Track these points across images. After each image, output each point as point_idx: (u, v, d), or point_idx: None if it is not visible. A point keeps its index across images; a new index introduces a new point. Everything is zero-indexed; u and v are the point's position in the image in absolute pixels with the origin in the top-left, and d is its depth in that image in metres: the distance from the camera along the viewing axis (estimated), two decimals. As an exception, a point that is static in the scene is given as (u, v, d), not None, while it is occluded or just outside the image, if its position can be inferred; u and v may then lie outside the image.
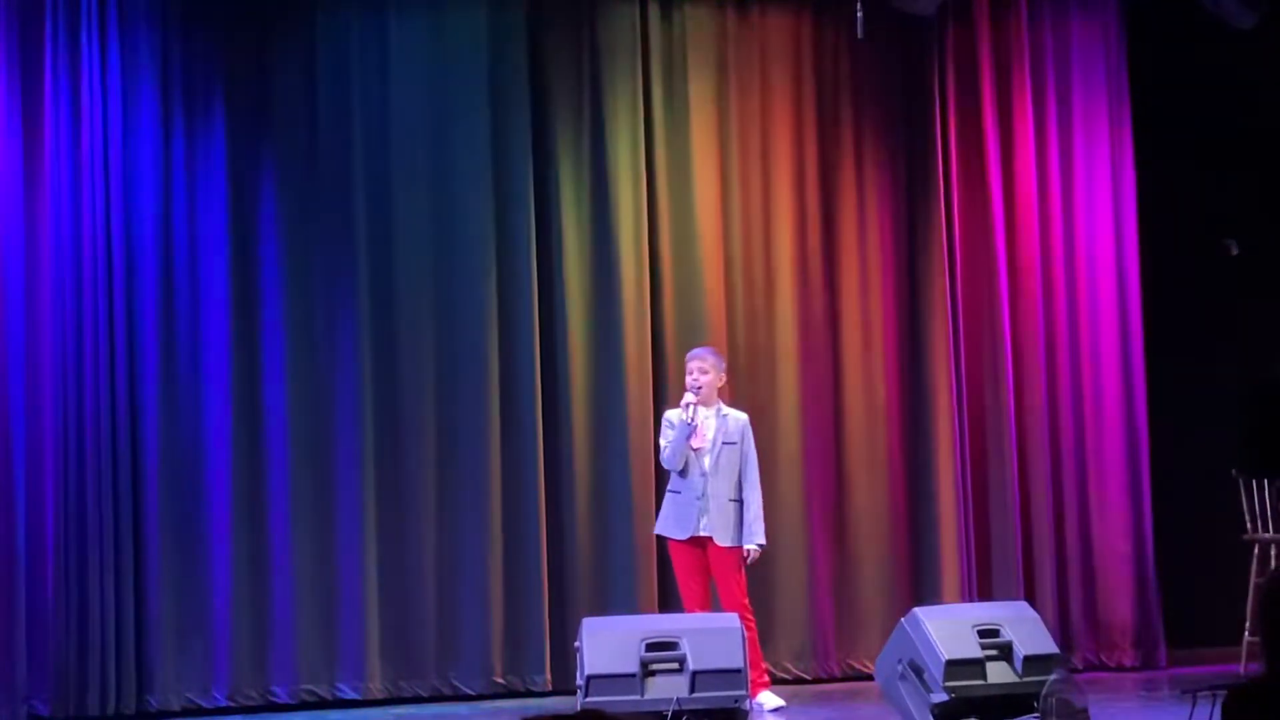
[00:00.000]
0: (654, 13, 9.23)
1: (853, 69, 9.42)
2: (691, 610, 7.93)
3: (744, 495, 8.04)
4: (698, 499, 7.98)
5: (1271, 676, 3.93)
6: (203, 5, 8.76)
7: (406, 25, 8.99)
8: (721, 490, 7.99)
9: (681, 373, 8.71)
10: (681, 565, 8.07)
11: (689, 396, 8.03)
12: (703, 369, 8.07)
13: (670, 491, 8.12)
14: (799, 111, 9.36)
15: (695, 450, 8.01)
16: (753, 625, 7.96)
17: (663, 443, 8.11)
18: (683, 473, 8.03)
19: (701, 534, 8.00)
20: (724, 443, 8.02)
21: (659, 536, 8.30)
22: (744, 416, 8.16)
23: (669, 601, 8.80)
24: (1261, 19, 9.12)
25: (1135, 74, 9.66)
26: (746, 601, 8.00)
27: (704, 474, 7.99)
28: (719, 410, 8.10)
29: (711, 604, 8.07)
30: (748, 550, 7.99)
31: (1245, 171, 9.66)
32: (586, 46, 9.16)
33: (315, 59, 8.87)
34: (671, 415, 8.13)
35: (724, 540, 7.98)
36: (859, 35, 8.76)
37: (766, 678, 8.12)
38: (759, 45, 9.35)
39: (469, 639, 8.76)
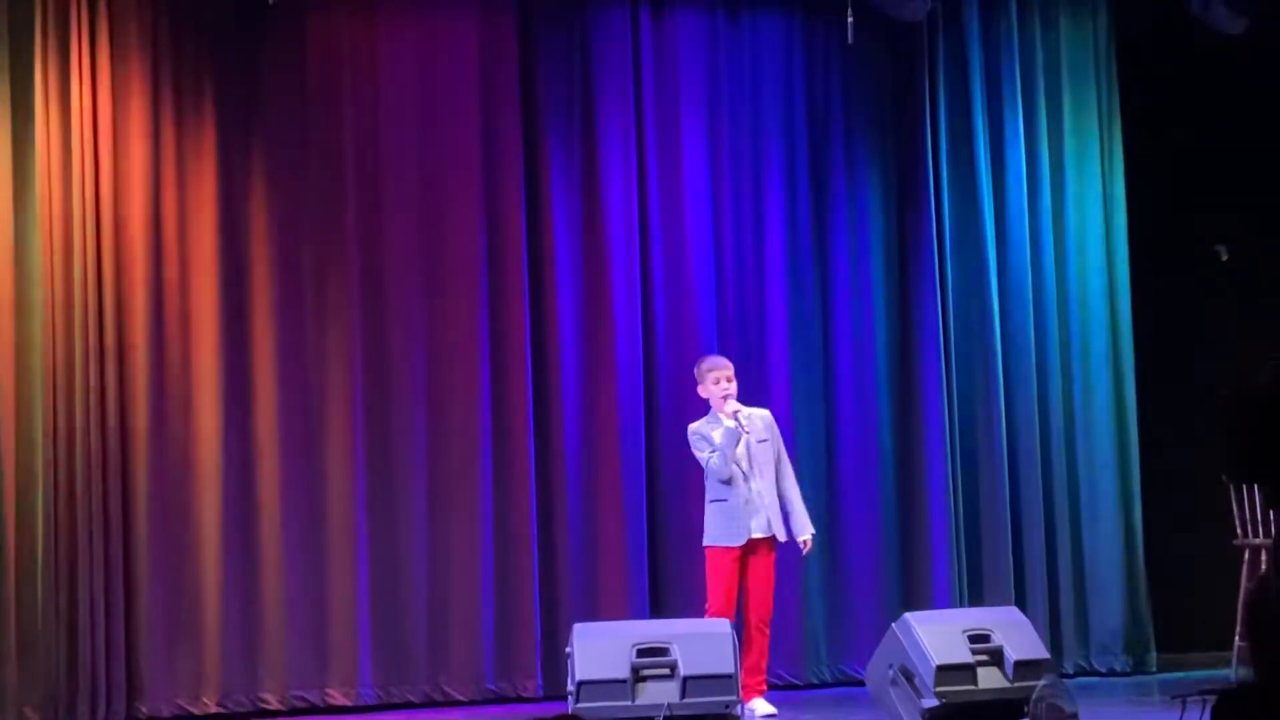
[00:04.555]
0: (645, 16, 9.24)
1: (843, 74, 9.43)
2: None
3: (783, 488, 8.04)
4: (746, 503, 7.96)
5: (1259, 682, 3.95)
6: (193, 6, 8.76)
7: (397, 26, 8.99)
8: (767, 489, 7.99)
9: (675, 376, 8.74)
10: (721, 576, 7.92)
11: (733, 404, 8.00)
12: (729, 377, 8.08)
13: (715, 501, 8.01)
14: (790, 116, 9.37)
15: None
16: (768, 633, 7.98)
17: (701, 456, 8.04)
18: (726, 481, 8.01)
19: (756, 536, 7.95)
20: (757, 441, 8.03)
21: (708, 549, 8.04)
22: (766, 412, 8.17)
23: (661, 607, 8.81)
24: (1250, 25, 9.14)
25: (1125, 80, 9.68)
26: (771, 607, 8.00)
27: (747, 478, 7.99)
28: (742, 412, 8.11)
29: (737, 616, 7.94)
30: (803, 540, 8.01)
31: (1235, 177, 9.68)
32: (578, 49, 9.16)
33: (306, 59, 8.86)
34: (699, 429, 8.08)
35: (782, 535, 8.00)
36: (849, 40, 8.77)
37: (764, 686, 8.11)
38: (750, 49, 9.36)
39: (460, 645, 8.76)
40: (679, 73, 9.26)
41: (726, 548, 7.94)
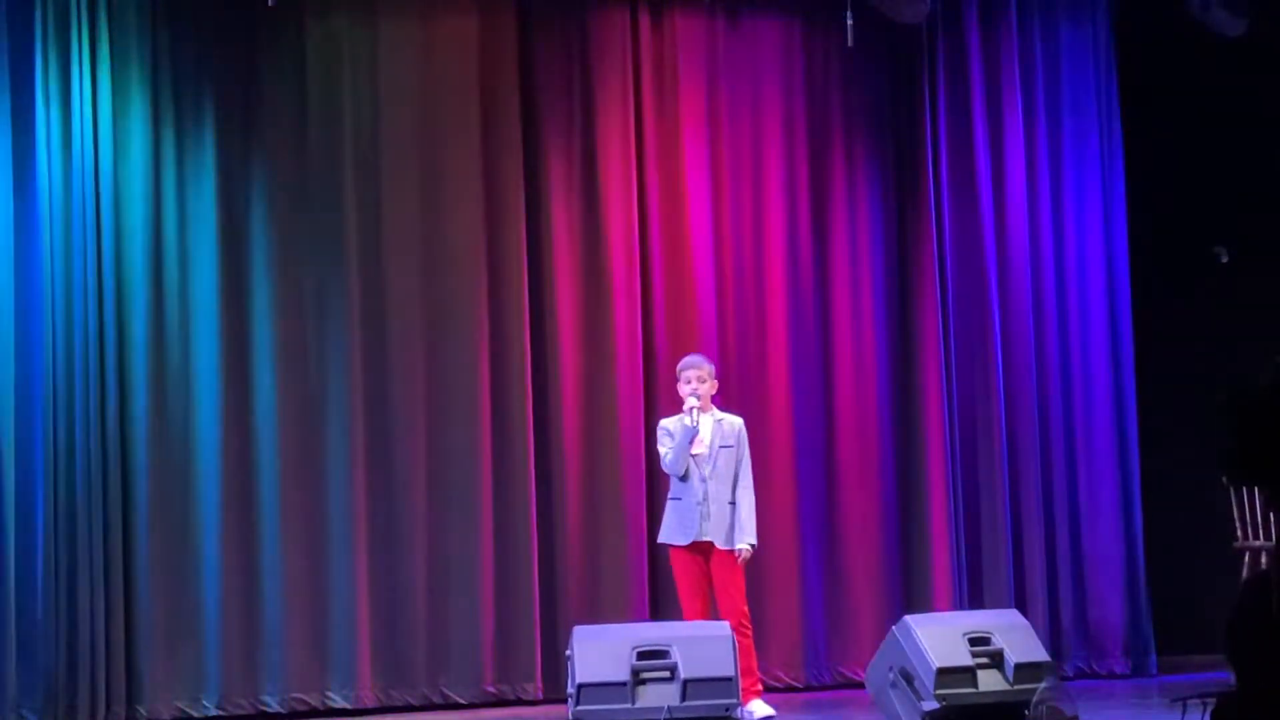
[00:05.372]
0: (645, 19, 9.23)
1: (843, 77, 9.42)
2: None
3: (736, 495, 7.99)
4: (698, 504, 7.94)
5: (1236, 682, 3.95)
6: (193, 10, 8.75)
7: (396, 30, 8.98)
8: (721, 494, 7.95)
9: (674, 380, 8.71)
10: (683, 575, 7.96)
11: (692, 401, 7.99)
12: (700, 377, 8.06)
13: (671, 499, 8.04)
14: (789, 119, 9.37)
15: (694, 456, 7.99)
16: (749, 633, 7.93)
17: (662, 450, 8.06)
18: (683, 479, 7.99)
19: (703, 539, 7.94)
20: (721, 446, 8.01)
21: (662, 545, 8.12)
22: (739, 420, 8.14)
23: (661, 609, 8.80)
24: (1249, 26, 9.14)
25: (1125, 81, 9.68)
26: (746, 609, 7.94)
27: (704, 479, 7.96)
28: (714, 415, 8.10)
29: (712, 617, 7.94)
30: (739, 549, 7.93)
31: (1235, 179, 9.68)
32: (577, 53, 9.16)
33: (305, 65, 8.85)
34: (667, 424, 8.09)
35: (723, 544, 7.93)
36: (849, 42, 8.77)
37: (759, 686, 8.10)
38: (749, 52, 9.35)
39: (459, 647, 8.75)
40: (679, 73, 9.24)
41: (677, 546, 7.96)
